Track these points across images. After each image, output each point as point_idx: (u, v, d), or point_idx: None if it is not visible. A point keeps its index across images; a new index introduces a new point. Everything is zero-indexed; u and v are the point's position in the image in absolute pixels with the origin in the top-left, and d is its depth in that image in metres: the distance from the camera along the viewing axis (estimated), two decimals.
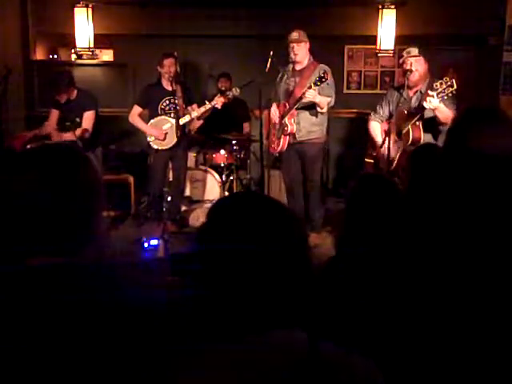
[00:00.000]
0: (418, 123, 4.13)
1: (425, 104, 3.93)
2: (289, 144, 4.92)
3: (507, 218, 1.31)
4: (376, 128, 4.59)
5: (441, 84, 3.87)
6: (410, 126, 4.13)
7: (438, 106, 3.92)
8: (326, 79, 4.50)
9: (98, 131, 5.26)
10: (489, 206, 1.33)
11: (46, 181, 1.11)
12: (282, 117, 4.89)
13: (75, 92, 5.14)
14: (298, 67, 4.89)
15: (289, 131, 4.84)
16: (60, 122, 5.21)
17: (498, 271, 1.29)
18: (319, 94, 4.62)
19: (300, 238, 1.03)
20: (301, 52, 4.80)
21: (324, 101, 4.68)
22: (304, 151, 4.91)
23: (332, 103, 4.80)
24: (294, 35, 4.77)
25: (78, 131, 5.00)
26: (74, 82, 5.17)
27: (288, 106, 4.86)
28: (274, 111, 4.93)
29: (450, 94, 3.86)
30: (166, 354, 1.01)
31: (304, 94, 4.58)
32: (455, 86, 3.82)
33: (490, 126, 1.39)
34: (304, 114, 4.83)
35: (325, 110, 4.78)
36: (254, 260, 0.97)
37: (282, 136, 4.90)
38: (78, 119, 5.04)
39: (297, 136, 4.86)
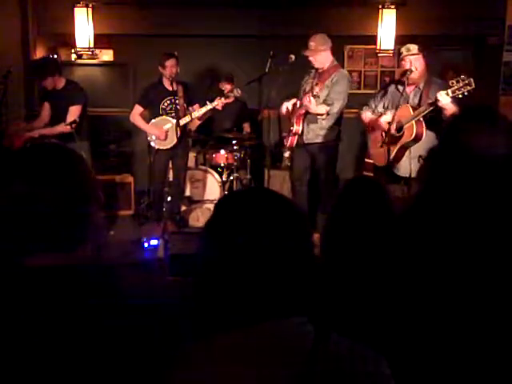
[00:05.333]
0: (421, 119, 4.10)
1: (440, 102, 3.83)
2: (298, 143, 4.95)
3: (495, 219, 1.32)
4: (368, 115, 4.56)
5: (457, 82, 3.81)
6: (413, 122, 4.10)
7: (449, 104, 3.87)
8: (318, 96, 4.55)
9: (85, 125, 5.14)
10: (478, 206, 1.33)
11: (39, 179, 1.11)
12: (291, 115, 4.93)
13: (63, 82, 5.08)
14: (319, 70, 4.90)
15: (294, 131, 4.88)
16: (52, 117, 5.17)
17: (490, 272, 1.29)
18: (327, 96, 4.68)
19: (303, 232, 1.04)
20: (318, 59, 4.80)
21: (321, 110, 4.71)
22: (314, 153, 4.93)
23: (334, 110, 4.79)
24: (311, 46, 4.76)
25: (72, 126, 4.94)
26: (60, 69, 5.14)
27: (297, 106, 4.88)
28: (287, 106, 4.97)
29: (467, 93, 3.79)
30: (166, 351, 1.02)
31: (303, 100, 4.64)
32: (473, 85, 3.76)
33: (482, 125, 1.39)
34: (313, 117, 4.85)
35: (324, 116, 4.79)
36: (258, 252, 0.98)
37: (291, 134, 4.94)
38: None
39: (305, 138, 4.90)
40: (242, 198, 1.08)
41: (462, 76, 3.82)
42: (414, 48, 4.24)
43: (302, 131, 4.90)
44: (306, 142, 4.89)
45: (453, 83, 3.82)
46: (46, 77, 4.98)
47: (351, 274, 1.58)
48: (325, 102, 4.70)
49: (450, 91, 3.81)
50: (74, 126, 4.85)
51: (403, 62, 4.26)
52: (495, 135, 1.37)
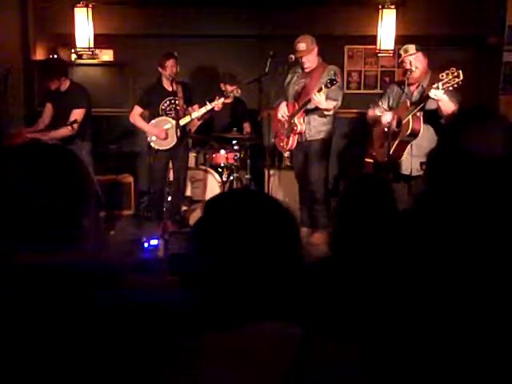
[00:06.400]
0: (418, 114, 4.11)
1: (430, 93, 3.90)
2: (298, 142, 4.97)
3: (494, 219, 1.32)
4: (374, 112, 4.59)
5: (447, 74, 3.84)
6: (410, 116, 4.11)
7: (442, 97, 3.89)
8: (337, 81, 4.52)
9: (88, 126, 5.08)
10: (477, 206, 1.33)
11: (35, 178, 1.11)
12: (291, 116, 4.92)
13: (67, 83, 5.02)
14: (307, 69, 4.91)
15: (298, 130, 4.91)
16: (53, 119, 5.13)
17: (492, 272, 1.29)
18: (327, 96, 4.66)
19: (292, 233, 1.04)
20: (310, 59, 4.83)
21: (330, 105, 4.73)
22: (311, 149, 4.96)
23: (338, 105, 4.84)
24: (301, 47, 4.76)
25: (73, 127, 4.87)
26: (67, 71, 5.10)
27: (297, 106, 4.89)
28: (284, 111, 4.97)
29: (456, 85, 3.83)
30: (162, 349, 1.02)
31: (312, 98, 4.61)
32: (461, 77, 3.79)
33: (480, 125, 1.39)
34: (314, 114, 4.87)
35: (331, 112, 4.82)
36: (245, 254, 0.98)
37: (291, 135, 4.95)
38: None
39: (307, 135, 4.93)
40: (229, 200, 1.08)
41: (452, 68, 3.85)
42: (411, 48, 4.26)
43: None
44: (308, 139, 4.91)
45: (442, 76, 3.86)
46: (53, 78, 4.92)
47: (360, 272, 1.58)
48: (329, 97, 4.71)
49: (440, 84, 3.85)
50: (74, 126, 4.82)
51: (404, 64, 4.29)
52: (494, 135, 1.37)
